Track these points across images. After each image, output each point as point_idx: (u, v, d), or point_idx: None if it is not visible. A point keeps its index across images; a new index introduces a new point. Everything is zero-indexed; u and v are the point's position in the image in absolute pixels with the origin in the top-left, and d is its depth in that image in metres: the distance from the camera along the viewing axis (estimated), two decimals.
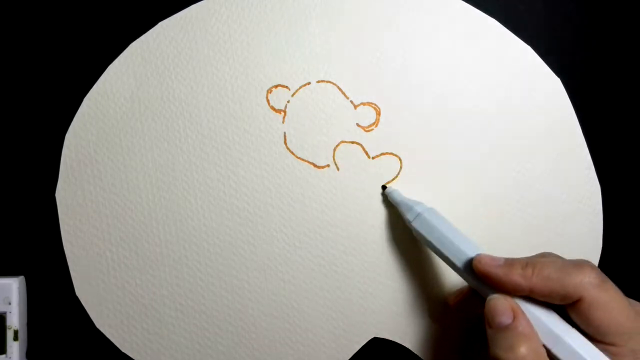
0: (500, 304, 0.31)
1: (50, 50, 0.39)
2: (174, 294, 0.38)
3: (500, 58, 0.40)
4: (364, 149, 0.39)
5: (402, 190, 0.38)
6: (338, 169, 0.39)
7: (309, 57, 0.39)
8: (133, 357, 0.38)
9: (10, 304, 0.37)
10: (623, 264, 0.41)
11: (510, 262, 0.32)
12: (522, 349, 0.29)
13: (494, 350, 0.31)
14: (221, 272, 0.38)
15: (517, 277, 0.31)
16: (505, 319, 0.31)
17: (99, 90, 0.38)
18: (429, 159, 0.39)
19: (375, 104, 0.39)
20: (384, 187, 0.39)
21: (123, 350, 0.38)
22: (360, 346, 0.39)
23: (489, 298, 0.32)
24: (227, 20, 0.39)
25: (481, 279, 0.32)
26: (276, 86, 0.39)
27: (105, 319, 0.38)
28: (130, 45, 0.39)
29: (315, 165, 0.39)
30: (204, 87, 0.39)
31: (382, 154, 0.39)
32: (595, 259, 0.40)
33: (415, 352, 0.39)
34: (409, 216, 0.36)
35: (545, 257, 0.33)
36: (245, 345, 0.38)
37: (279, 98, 0.39)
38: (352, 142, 0.39)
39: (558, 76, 0.40)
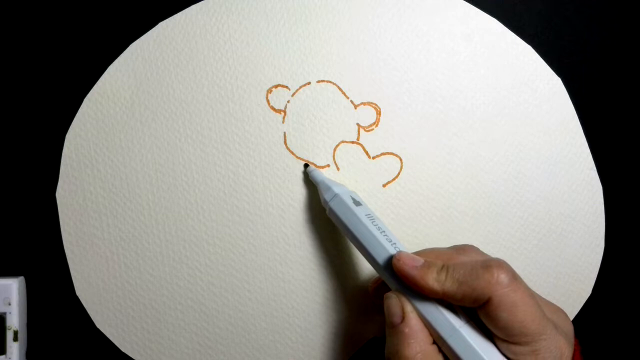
0: (392, 304, 0.31)
1: (51, 50, 0.39)
2: (174, 294, 0.38)
3: (501, 58, 0.40)
4: (364, 149, 0.39)
5: (401, 188, 0.38)
6: (338, 169, 0.39)
7: (309, 57, 0.39)
8: (133, 357, 0.38)
9: (10, 304, 0.37)
10: (625, 265, 0.41)
11: (427, 264, 0.31)
12: (406, 351, 0.30)
13: (386, 349, 0.31)
14: (221, 272, 0.38)
15: (431, 281, 0.30)
16: (395, 319, 0.31)
17: (99, 90, 0.38)
18: (430, 159, 0.39)
19: (375, 104, 0.39)
20: (306, 166, 0.38)
21: (123, 350, 0.38)
22: (360, 346, 0.39)
23: (385, 296, 0.32)
24: (227, 20, 0.39)
25: (399, 276, 0.32)
26: (276, 86, 0.39)
27: (105, 319, 0.38)
28: (131, 46, 0.39)
29: (315, 166, 0.39)
30: (204, 87, 0.39)
31: (383, 154, 0.39)
32: (597, 259, 0.39)
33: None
34: (326, 196, 0.36)
35: (462, 253, 0.32)
36: (245, 345, 0.38)
37: (279, 98, 0.39)
38: (352, 142, 0.39)
39: (558, 76, 0.40)
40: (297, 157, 0.39)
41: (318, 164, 0.39)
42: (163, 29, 0.39)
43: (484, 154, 0.39)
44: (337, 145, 0.39)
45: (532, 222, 0.39)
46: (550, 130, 0.39)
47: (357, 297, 0.38)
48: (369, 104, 0.39)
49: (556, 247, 0.39)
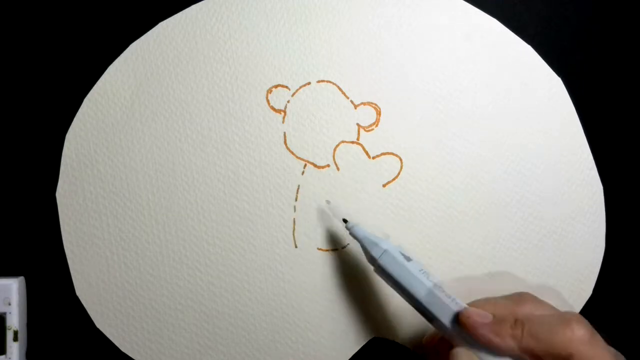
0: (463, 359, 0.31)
1: (51, 50, 0.39)
2: (174, 294, 0.38)
3: (501, 58, 0.40)
4: (364, 149, 0.39)
5: (401, 188, 0.38)
6: (338, 169, 0.39)
7: (309, 57, 0.39)
8: (133, 357, 0.38)
9: (10, 304, 0.37)
10: (626, 265, 0.41)
11: (499, 320, 0.31)
12: None
13: None
14: (221, 272, 0.38)
15: (508, 338, 0.30)
16: None
17: (99, 90, 0.39)
18: (430, 159, 0.39)
19: (375, 104, 0.39)
20: (345, 221, 0.36)
21: (123, 350, 0.38)
22: (360, 346, 0.39)
23: (452, 353, 0.31)
24: (227, 20, 0.39)
25: (468, 334, 0.31)
26: (276, 86, 0.39)
27: (105, 319, 0.38)
28: (131, 46, 0.39)
29: (315, 165, 0.39)
30: (204, 87, 0.39)
31: (383, 154, 0.39)
32: (597, 259, 0.39)
33: (416, 352, 0.39)
34: (374, 253, 0.34)
35: (521, 304, 0.32)
36: (245, 345, 0.38)
37: (279, 98, 0.39)
38: (352, 142, 0.39)
39: (558, 76, 0.40)
40: (297, 157, 0.39)
41: (318, 164, 0.39)
42: (163, 29, 0.39)
43: (484, 154, 0.39)
44: (337, 145, 0.39)
45: (532, 222, 0.39)
46: (550, 130, 0.39)
47: (357, 297, 0.38)
48: (369, 104, 0.39)
49: (556, 247, 0.39)
